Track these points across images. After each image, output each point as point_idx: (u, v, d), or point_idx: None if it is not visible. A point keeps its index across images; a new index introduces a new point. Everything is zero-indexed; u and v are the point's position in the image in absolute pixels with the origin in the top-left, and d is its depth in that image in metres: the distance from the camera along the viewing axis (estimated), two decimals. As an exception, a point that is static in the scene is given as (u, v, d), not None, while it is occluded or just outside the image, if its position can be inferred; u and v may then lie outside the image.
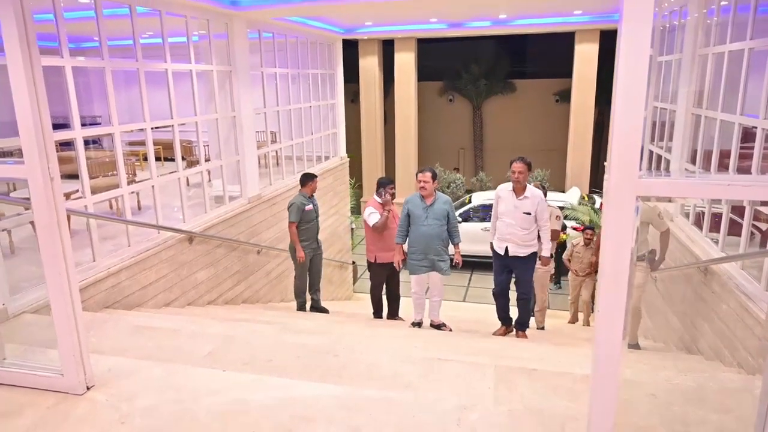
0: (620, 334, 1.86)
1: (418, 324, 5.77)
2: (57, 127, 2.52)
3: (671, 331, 5.52)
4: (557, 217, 6.71)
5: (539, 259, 5.31)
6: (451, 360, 3.24)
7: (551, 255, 5.54)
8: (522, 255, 5.09)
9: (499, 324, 5.68)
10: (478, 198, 12.94)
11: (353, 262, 12.06)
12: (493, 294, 5.53)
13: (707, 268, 4.64)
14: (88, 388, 2.66)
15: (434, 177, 5.37)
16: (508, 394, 2.76)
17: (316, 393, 2.68)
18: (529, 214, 4.96)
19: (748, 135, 4.56)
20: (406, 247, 5.61)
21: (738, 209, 4.61)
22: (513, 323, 5.54)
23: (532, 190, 5.01)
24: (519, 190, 5.01)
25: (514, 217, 5.02)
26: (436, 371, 3.07)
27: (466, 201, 12.99)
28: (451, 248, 5.48)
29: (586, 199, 13.11)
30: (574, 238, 7.58)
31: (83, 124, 4.82)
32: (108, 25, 5.05)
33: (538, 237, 5.12)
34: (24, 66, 2.26)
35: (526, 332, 5.45)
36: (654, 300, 6.18)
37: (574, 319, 7.84)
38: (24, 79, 2.27)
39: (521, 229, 5.01)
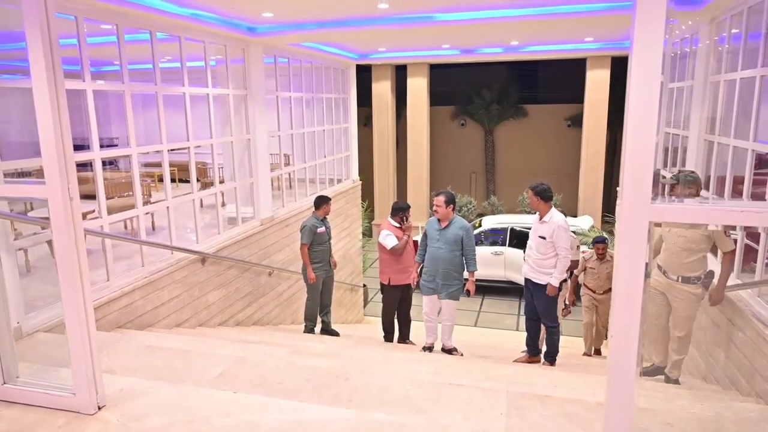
0: (634, 361, 1.84)
1: (429, 348, 5.73)
2: (75, 148, 2.57)
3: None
4: (577, 246, 6.68)
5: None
6: (463, 385, 3.20)
7: (565, 281, 5.47)
8: (535, 281, 5.09)
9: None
10: (489, 222, 12.90)
11: (364, 285, 12.03)
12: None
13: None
14: (99, 408, 2.66)
15: (448, 201, 5.36)
16: (520, 421, 2.72)
17: (326, 416, 2.66)
18: (544, 238, 4.96)
19: (762, 161, 4.54)
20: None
21: (754, 235, 4.56)
22: (540, 354, 5.49)
23: (553, 215, 4.97)
24: (540, 214, 5.07)
25: (533, 239, 5.13)
26: (448, 396, 3.04)
27: (477, 225, 12.95)
28: (466, 274, 5.48)
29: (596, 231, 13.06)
30: (584, 253, 7.37)
31: (101, 146, 4.92)
32: (128, 49, 5.20)
33: None
34: (49, 89, 2.33)
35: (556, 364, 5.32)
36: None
37: (590, 350, 7.55)
38: (48, 102, 2.33)
39: (536, 252, 5.05)
